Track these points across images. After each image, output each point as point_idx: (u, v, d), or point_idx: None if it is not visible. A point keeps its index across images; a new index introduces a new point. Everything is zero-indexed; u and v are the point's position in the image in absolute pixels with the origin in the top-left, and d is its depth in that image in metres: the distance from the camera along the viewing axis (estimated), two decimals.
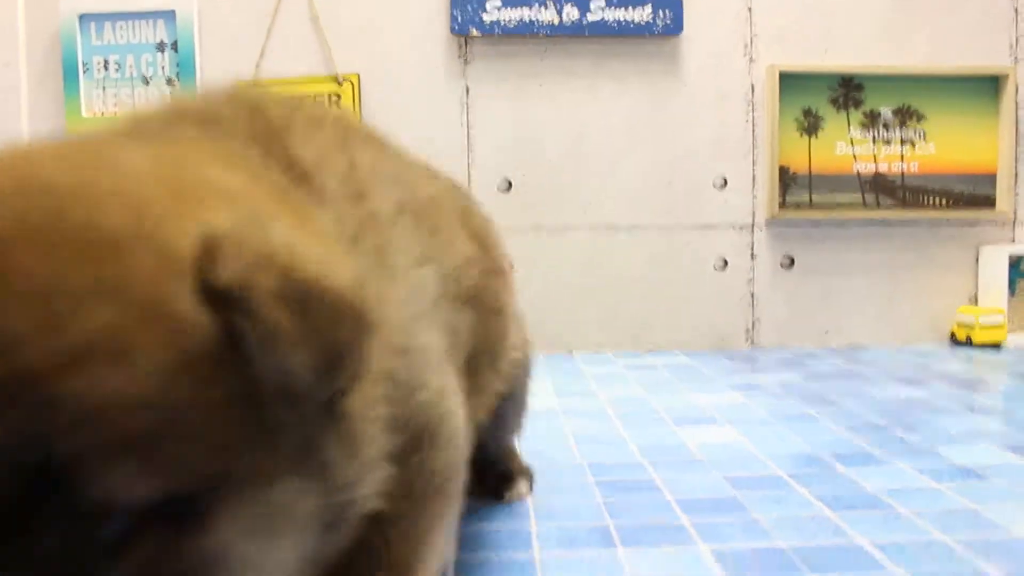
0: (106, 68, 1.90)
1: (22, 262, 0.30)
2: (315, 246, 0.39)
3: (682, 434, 1.18)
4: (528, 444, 1.05)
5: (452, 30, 1.84)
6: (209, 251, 0.32)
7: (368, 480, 0.41)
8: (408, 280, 0.54)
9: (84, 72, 1.89)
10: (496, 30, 1.83)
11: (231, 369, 0.32)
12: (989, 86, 1.91)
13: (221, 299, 0.32)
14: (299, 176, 0.48)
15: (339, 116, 0.59)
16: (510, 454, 0.95)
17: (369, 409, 0.42)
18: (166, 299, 0.31)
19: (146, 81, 1.90)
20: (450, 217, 0.68)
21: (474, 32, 1.84)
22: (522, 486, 0.92)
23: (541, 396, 1.42)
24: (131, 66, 1.90)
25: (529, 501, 0.91)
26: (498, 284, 0.75)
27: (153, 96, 1.90)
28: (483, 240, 0.74)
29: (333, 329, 0.34)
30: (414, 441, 0.48)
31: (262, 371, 0.32)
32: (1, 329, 0.29)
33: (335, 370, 0.34)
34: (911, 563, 0.73)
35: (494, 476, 0.91)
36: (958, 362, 1.70)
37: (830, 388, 1.48)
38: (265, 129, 0.49)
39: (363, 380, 0.39)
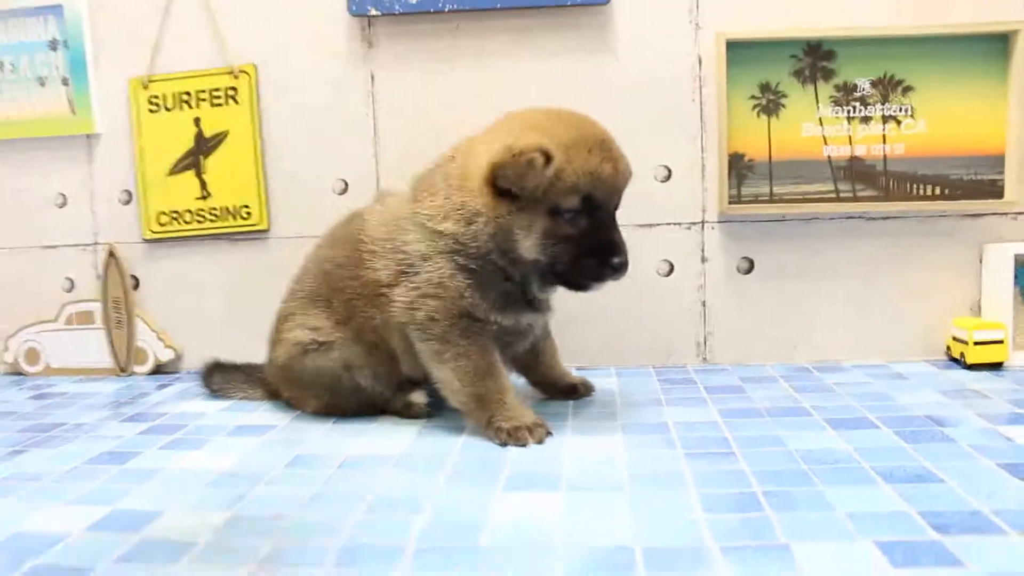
0: (1, 69, 1.79)
1: (615, 146, 1.21)
2: None
3: (495, 506, 0.97)
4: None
5: (350, 10, 1.64)
6: None
7: None
8: None
9: None
10: (397, 7, 1.62)
11: None
12: (994, 47, 1.56)
13: None
14: None
15: None
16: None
17: None
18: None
19: (42, 82, 1.78)
20: None
21: (373, 11, 1.63)
22: None
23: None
24: (26, 66, 1.78)
25: None
26: None
27: (49, 97, 1.78)
28: None
29: None
30: None
31: None
32: (625, 160, 1.23)
33: None
34: None
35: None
36: (935, 392, 1.40)
37: (748, 429, 1.22)
38: None
39: None
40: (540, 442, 1.20)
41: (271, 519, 0.96)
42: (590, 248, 1.19)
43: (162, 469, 1.16)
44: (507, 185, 1.17)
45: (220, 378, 1.56)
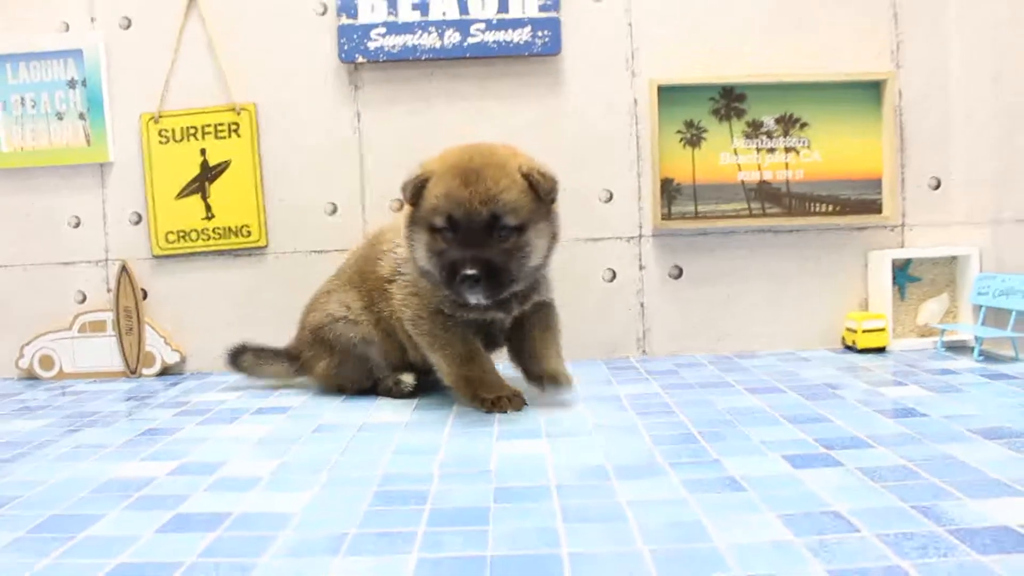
0: (23, 105, 2.01)
1: (487, 172, 1.39)
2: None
3: (495, 449, 1.24)
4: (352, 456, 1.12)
5: (340, 57, 1.92)
6: (524, 167, 1.42)
7: None
8: None
9: (3, 109, 2.00)
10: (381, 56, 1.90)
11: (532, 192, 1.41)
12: (870, 92, 1.93)
13: (527, 176, 1.41)
14: None
15: None
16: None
17: None
18: (517, 175, 1.40)
19: (60, 116, 2.00)
20: None
21: (360, 59, 1.91)
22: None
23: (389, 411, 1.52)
24: (46, 102, 2.00)
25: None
26: None
27: (67, 130, 2.00)
28: None
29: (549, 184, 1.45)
30: None
31: (541, 192, 1.42)
32: (491, 184, 1.38)
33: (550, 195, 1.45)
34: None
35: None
36: (832, 368, 1.73)
37: (684, 396, 1.52)
38: None
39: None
40: (518, 410, 1.48)
41: (318, 463, 1.21)
42: (449, 262, 1.39)
43: (209, 437, 1.40)
44: (404, 199, 1.48)
45: (250, 356, 1.80)
